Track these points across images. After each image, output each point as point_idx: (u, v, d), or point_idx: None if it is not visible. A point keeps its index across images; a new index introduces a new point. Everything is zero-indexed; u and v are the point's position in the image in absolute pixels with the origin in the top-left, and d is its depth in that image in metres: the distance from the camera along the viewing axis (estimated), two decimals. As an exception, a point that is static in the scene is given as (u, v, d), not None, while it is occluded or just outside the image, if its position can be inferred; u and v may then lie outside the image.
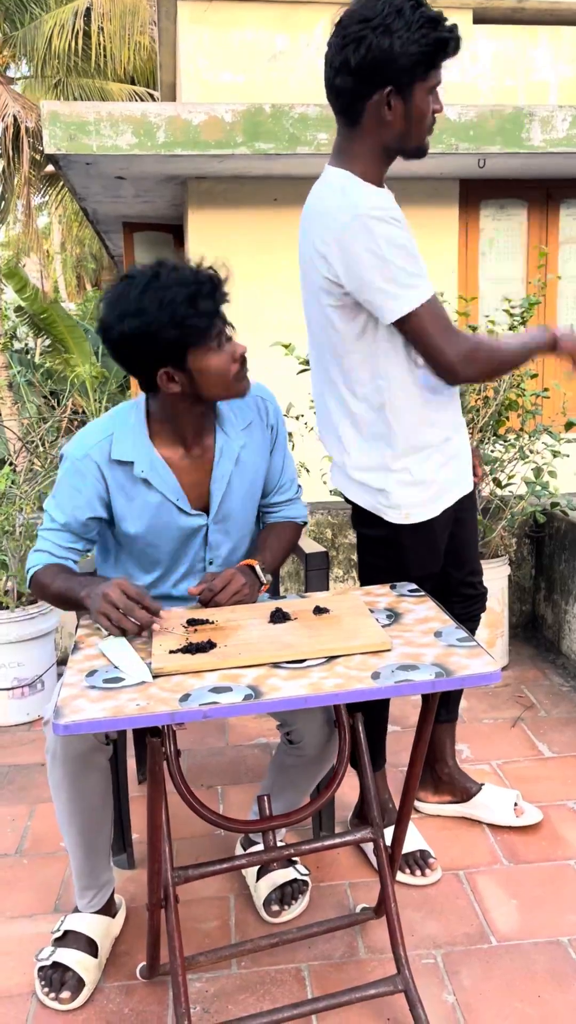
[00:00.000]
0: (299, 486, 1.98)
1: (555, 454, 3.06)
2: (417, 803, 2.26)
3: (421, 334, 1.67)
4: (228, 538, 1.82)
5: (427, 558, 1.89)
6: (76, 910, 1.80)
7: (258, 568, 1.74)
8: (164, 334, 1.55)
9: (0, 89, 10.42)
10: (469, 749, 2.59)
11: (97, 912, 1.79)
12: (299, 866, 1.95)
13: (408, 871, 1.99)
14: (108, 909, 1.81)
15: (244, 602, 1.66)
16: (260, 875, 1.93)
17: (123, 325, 1.56)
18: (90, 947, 1.74)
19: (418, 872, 1.99)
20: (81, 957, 1.71)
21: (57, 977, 1.69)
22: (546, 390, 3.11)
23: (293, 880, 1.92)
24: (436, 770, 2.23)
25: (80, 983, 1.69)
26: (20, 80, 12.46)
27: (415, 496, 1.82)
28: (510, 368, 1.78)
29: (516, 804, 2.19)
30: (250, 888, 1.96)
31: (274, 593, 2.29)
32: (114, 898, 1.85)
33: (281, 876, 1.91)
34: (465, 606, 2.08)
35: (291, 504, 1.95)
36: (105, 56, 11.35)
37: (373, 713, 2.01)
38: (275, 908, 1.88)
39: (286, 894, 1.90)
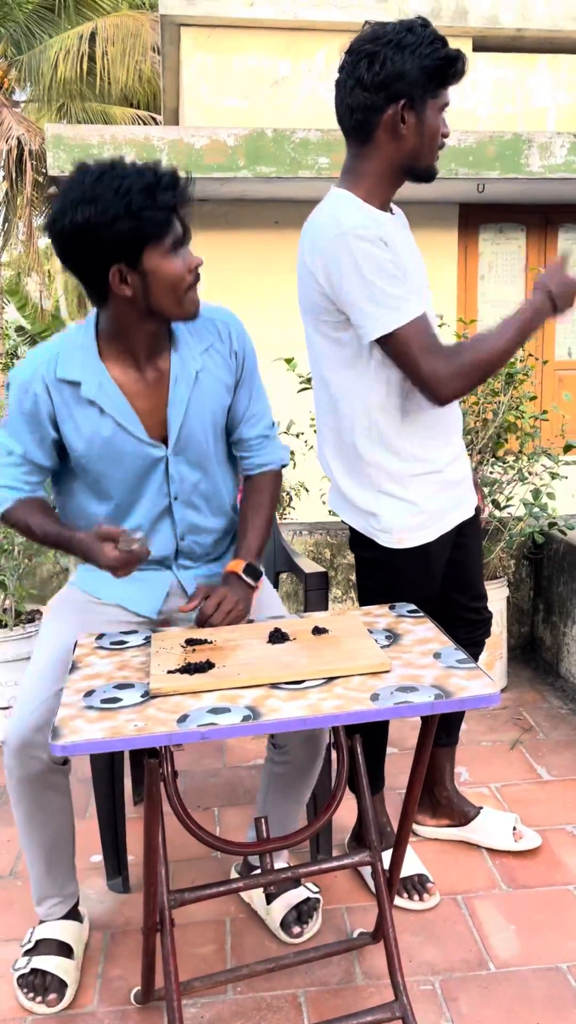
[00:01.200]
0: (275, 423, 1.88)
1: (554, 476, 3.06)
2: (415, 826, 2.24)
3: (404, 354, 1.67)
4: (192, 470, 1.73)
5: (422, 582, 1.89)
6: (42, 922, 1.81)
7: (243, 574, 1.70)
8: (119, 225, 1.45)
9: (4, 112, 10.54)
10: (467, 772, 2.57)
11: (63, 918, 1.80)
12: (308, 883, 1.95)
13: (406, 895, 1.98)
14: (75, 915, 1.83)
15: (240, 620, 1.66)
16: (270, 899, 1.91)
17: (76, 213, 1.46)
18: (64, 950, 1.75)
19: (416, 896, 1.97)
20: (58, 960, 1.73)
21: (39, 983, 1.70)
22: (545, 412, 3.12)
23: (307, 899, 1.91)
24: (435, 793, 2.22)
25: (62, 984, 1.70)
26: (25, 102, 12.62)
27: (407, 520, 1.81)
28: (502, 365, 1.73)
29: (515, 828, 2.18)
30: (260, 913, 1.94)
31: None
32: (78, 908, 1.86)
33: (294, 896, 1.90)
34: (469, 631, 2.07)
35: (265, 444, 1.84)
36: (108, 80, 11.50)
37: (372, 735, 2.00)
38: (296, 929, 1.86)
39: (303, 912, 1.89)
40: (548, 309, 1.73)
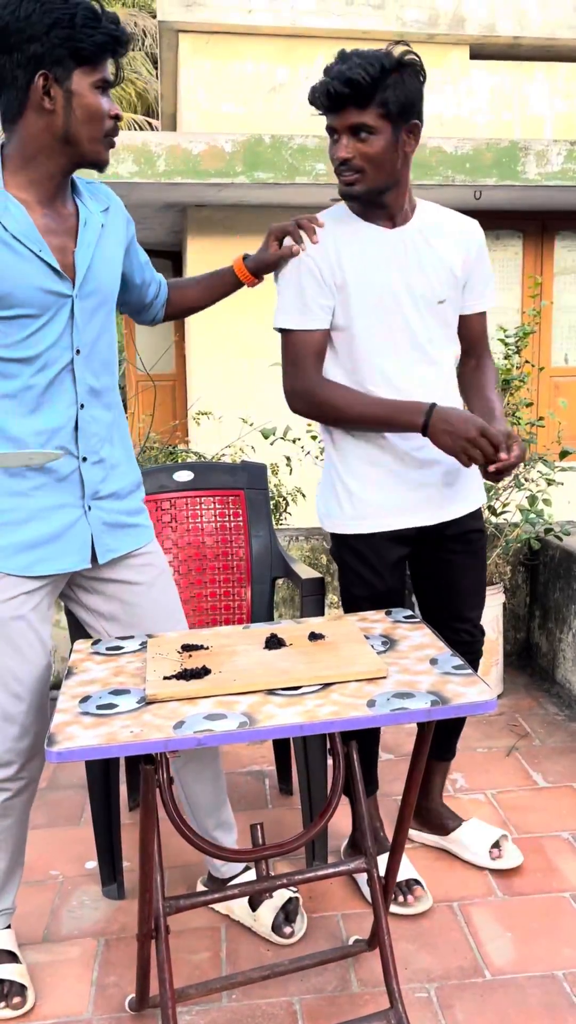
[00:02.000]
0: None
1: (550, 482, 3.07)
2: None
3: (282, 355, 1.86)
4: (95, 320, 1.65)
5: (365, 576, 1.92)
6: None
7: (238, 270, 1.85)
8: (58, 31, 1.45)
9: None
10: (463, 778, 2.57)
11: (4, 928, 1.83)
12: None
13: (393, 898, 1.96)
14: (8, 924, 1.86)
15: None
16: (255, 905, 1.91)
17: (19, 7, 1.45)
18: (11, 957, 1.78)
19: (401, 898, 1.96)
20: (11, 967, 1.76)
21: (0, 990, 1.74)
22: (541, 419, 3.13)
23: (290, 899, 1.92)
24: (419, 803, 2.19)
25: (23, 988, 1.74)
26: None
27: (345, 508, 1.90)
28: (354, 426, 1.83)
29: (499, 846, 2.14)
30: (244, 921, 1.93)
31: (267, 617, 2.28)
32: None
33: (279, 897, 1.91)
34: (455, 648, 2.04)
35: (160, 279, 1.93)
36: None
37: (366, 738, 1.99)
38: (287, 929, 1.88)
39: (289, 912, 1.90)
40: (417, 428, 1.75)
